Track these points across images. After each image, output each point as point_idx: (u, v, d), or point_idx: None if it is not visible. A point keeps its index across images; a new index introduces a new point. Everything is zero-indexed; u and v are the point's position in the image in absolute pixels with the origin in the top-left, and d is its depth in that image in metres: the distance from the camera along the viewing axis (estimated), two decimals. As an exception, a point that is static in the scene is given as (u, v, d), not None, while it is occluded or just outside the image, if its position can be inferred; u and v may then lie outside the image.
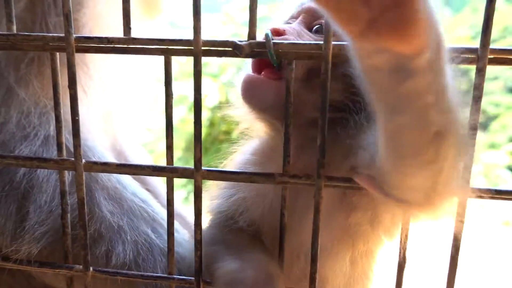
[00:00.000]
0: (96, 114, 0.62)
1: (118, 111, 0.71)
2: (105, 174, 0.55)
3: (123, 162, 0.73)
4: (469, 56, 0.38)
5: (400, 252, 0.44)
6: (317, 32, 0.48)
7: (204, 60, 0.42)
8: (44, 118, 0.54)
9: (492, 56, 0.38)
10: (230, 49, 0.41)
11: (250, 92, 0.46)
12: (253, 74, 0.46)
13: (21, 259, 0.51)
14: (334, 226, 0.48)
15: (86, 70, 0.58)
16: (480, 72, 0.38)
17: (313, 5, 0.48)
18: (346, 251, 0.48)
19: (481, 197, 0.40)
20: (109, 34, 0.43)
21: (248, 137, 0.54)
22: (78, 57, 0.56)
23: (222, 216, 0.51)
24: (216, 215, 0.52)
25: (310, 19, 0.49)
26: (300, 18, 0.49)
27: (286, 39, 0.44)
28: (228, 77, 4.88)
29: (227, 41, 0.41)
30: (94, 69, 0.59)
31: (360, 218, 0.47)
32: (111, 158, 0.61)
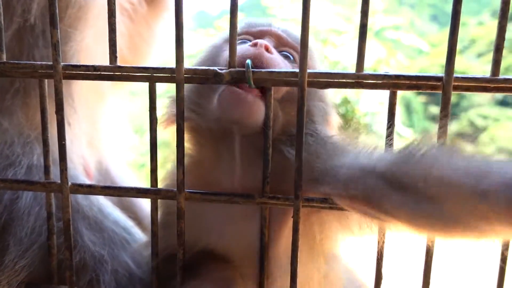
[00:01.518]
0: (79, 144, 0.63)
1: (103, 135, 0.72)
2: (86, 204, 0.56)
3: (108, 184, 0.74)
4: (435, 83, 0.41)
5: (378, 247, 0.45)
6: (285, 57, 0.49)
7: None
8: (27, 148, 0.55)
9: (456, 84, 0.41)
10: (211, 77, 0.43)
11: (226, 104, 0.45)
12: (233, 88, 0.45)
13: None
14: (305, 240, 0.48)
15: (71, 103, 0.59)
16: (446, 99, 0.40)
17: (279, 31, 0.50)
18: (318, 257, 0.49)
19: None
20: (96, 63, 0.45)
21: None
22: (64, 89, 0.58)
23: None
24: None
25: (275, 43, 0.50)
26: (266, 39, 0.49)
27: (277, 58, 0.47)
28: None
29: (208, 69, 0.43)
30: (79, 101, 0.61)
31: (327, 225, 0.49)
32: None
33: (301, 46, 0.41)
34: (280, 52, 0.50)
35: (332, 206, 0.43)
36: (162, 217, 0.51)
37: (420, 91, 0.42)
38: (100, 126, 0.67)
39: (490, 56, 0.41)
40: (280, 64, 0.47)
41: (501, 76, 0.40)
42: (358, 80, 0.42)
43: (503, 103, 7.23)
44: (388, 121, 0.43)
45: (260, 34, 0.50)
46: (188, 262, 0.48)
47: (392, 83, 0.42)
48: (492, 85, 0.40)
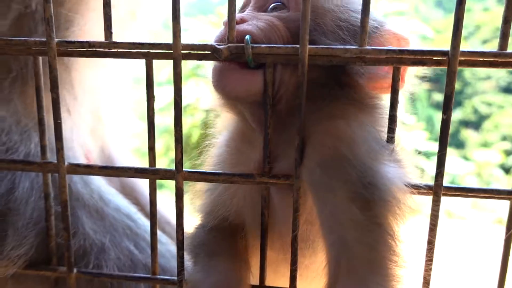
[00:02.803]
0: (80, 132, 0.62)
1: (105, 120, 0.71)
2: (86, 192, 0.56)
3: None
4: (441, 58, 0.40)
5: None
6: (273, 9, 0.47)
7: (198, 62, 0.43)
8: (25, 135, 0.54)
9: (462, 58, 0.39)
10: (209, 52, 0.42)
11: (221, 81, 0.44)
12: (223, 63, 0.44)
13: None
14: (314, 220, 0.48)
15: (71, 90, 0.58)
16: (451, 73, 0.39)
17: None
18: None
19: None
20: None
21: (220, 129, 0.53)
22: (64, 76, 0.57)
23: (207, 216, 0.51)
24: (203, 215, 0.52)
25: (261, 2, 0.48)
26: (251, 3, 0.48)
27: (249, 26, 0.44)
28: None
29: (206, 45, 0.42)
30: (79, 89, 0.60)
31: None
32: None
33: (302, 19, 0.39)
34: (271, 5, 0.47)
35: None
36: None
37: (425, 67, 0.41)
38: (102, 113, 0.66)
39: (495, 43, 0.40)
40: (256, 27, 0.44)
41: (509, 50, 0.39)
42: (361, 55, 0.40)
43: (507, 90, 7.16)
44: (391, 98, 0.42)
45: (248, 1, 0.49)
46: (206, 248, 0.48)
47: (396, 58, 0.40)
48: (500, 60, 0.39)
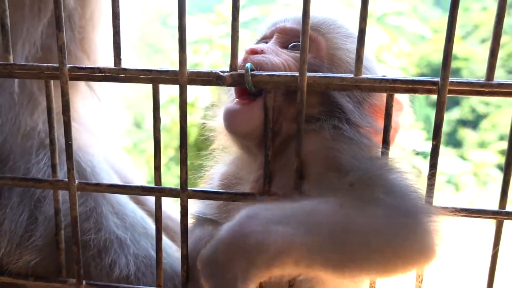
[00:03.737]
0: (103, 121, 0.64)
1: (101, 120, 0.73)
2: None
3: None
4: (431, 87, 0.42)
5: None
6: (293, 47, 0.50)
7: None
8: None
9: (451, 88, 0.42)
10: (213, 79, 0.44)
11: (233, 123, 0.49)
12: (233, 105, 0.49)
13: (17, 272, 0.54)
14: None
15: (96, 91, 0.61)
16: (440, 103, 0.41)
17: (288, 25, 0.51)
18: None
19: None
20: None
21: (224, 151, 0.57)
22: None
23: (202, 220, 0.54)
24: (198, 219, 0.55)
25: (285, 39, 0.51)
26: (274, 37, 0.51)
27: (265, 58, 0.47)
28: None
29: (211, 72, 0.44)
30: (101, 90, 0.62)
31: None
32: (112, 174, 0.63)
33: (301, 51, 0.42)
34: (292, 43, 0.51)
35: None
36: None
37: (416, 94, 0.43)
38: (98, 109, 0.68)
39: None
40: (270, 62, 0.48)
41: (495, 81, 0.41)
42: (357, 83, 0.43)
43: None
44: (385, 123, 0.44)
45: (272, 34, 0.52)
46: None
47: (389, 86, 0.43)
48: (487, 89, 0.42)
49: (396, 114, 0.47)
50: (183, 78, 0.44)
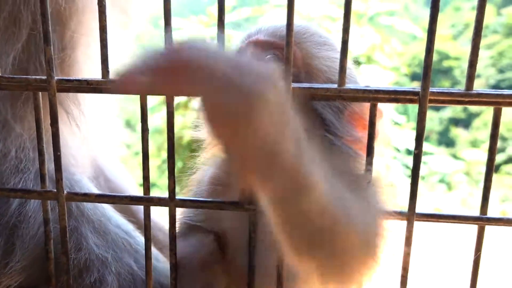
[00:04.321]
0: (83, 146, 0.65)
1: (95, 129, 0.73)
2: (91, 207, 0.58)
3: (102, 182, 0.76)
4: (412, 97, 0.43)
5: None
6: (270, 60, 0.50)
7: None
8: (37, 153, 0.57)
9: (432, 98, 0.43)
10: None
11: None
12: None
13: None
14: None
15: (78, 106, 0.61)
16: (421, 113, 0.42)
17: (261, 37, 0.52)
18: None
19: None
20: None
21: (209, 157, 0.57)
22: (72, 96, 0.60)
23: (188, 225, 0.55)
24: (182, 225, 0.56)
25: (259, 51, 0.51)
26: (249, 51, 0.52)
27: None
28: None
29: (196, 84, 0.45)
30: (84, 102, 0.62)
31: None
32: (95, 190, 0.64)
33: (286, 62, 0.43)
34: (267, 56, 0.51)
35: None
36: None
37: (398, 103, 0.44)
38: (92, 122, 0.68)
39: (485, 41, 0.43)
40: None
41: (474, 91, 0.43)
42: (340, 94, 0.44)
43: (496, 88, 7.25)
44: (369, 132, 0.45)
45: (246, 47, 0.52)
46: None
47: (372, 97, 0.44)
48: (466, 99, 0.43)
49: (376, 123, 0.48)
50: (170, 89, 0.45)
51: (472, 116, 7.46)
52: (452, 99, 0.43)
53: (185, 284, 0.49)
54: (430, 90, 0.42)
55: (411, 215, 0.45)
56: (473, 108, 7.79)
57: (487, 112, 7.24)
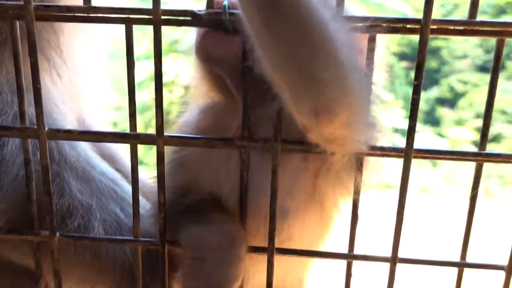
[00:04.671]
0: (66, 96, 0.62)
1: (83, 90, 0.71)
2: (74, 154, 0.56)
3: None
4: (414, 26, 0.41)
5: (352, 209, 0.47)
6: None
7: (176, 37, 0.44)
8: (15, 97, 0.54)
9: (434, 27, 0.41)
10: (189, 18, 0.42)
11: (203, 44, 0.47)
12: (207, 30, 0.47)
13: None
14: (301, 189, 0.50)
15: (61, 54, 0.58)
16: (423, 41, 0.41)
17: None
18: (315, 214, 0.50)
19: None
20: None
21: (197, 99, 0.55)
22: (53, 40, 0.56)
23: (173, 193, 0.52)
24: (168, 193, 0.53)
25: None
26: None
27: None
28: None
29: (186, 10, 0.42)
30: (68, 53, 0.59)
31: (324, 181, 0.50)
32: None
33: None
34: None
35: (311, 150, 0.44)
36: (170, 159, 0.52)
37: (398, 34, 0.42)
38: (81, 83, 0.65)
39: None
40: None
41: (478, 19, 0.41)
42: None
43: (482, 69, 7.31)
44: (367, 60, 0.43)
45: None
46: (192, 209, 0.49)
47: (372, 25, 0.42)
48: (469, 28, 0.41)
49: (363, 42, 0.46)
50: (157, 16, 0.42)
51: (458, 96, 7.51)
52: (454, 29, 0.41)
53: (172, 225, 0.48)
54: (432, 18, 0.40)
55: (408, 150, 0.43)
56: (459, 88, 7.84)
57: (472, 92, 7.30)
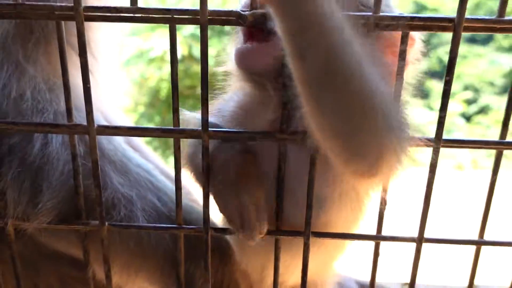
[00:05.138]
0: (100, 91, 0.63)
1: (100, 79, 0.72)
2: (111, 148, 0.59)
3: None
4: (447, 24, 0.44)
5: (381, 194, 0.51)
6: None
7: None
8: (53, 94, 0.56)
9: (466, 24, 0.43)
10: (234, 18, 0.44)
11: (242, 61, 0.50)
12: (245, 45, 0.50)
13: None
14: (336, 179, 0.52)
15: (90, 50, 0.59)
16: (456, 39, 0.43)
17: None
18: (349, 201, 0.53)
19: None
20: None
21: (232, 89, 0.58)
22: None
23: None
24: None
25: None
26: None
27: None
28: (190, 30, 4.76)
29: (232, 11, 0.44)
30: (96, 48, 0.61)
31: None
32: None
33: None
34: None
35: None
36: None
37: (432, 31, 0.45)
38: (105, 71, 0.67)
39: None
40: None
41: (506, 17, 0.44)
42: (376, 21, 0.44)
43: (471, 40, 7.35)
44: (399, 63, 0.46)
45: None
46: None
47: (407, 24, 0.44)
48: (499, 26, 0.44)
49: (407, 51, 0.49)
50: (204, 17, 0.44)
51: (445, 68, 7.56)
52: (485, 26, 0.44)
53: (220, 192, 0.50)
54: (464, 17, 0.43)
55: (437, 141, 0.47)
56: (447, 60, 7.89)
57: (461, 64, 7.36)
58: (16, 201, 0.53)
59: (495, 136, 0.49)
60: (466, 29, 0.44)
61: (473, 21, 0.44)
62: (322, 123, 0.40)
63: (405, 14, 0.44)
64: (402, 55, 0.46)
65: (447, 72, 0.45)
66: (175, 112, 0.49)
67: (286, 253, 0.54)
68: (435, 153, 0.47)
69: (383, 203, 0.51)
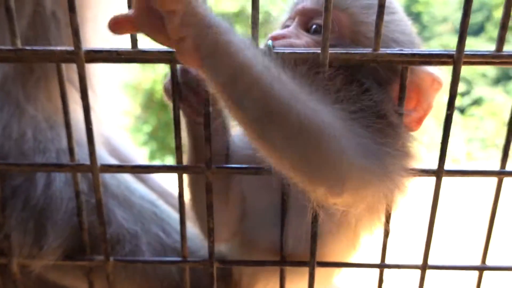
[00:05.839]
0: (102, 126, 0.63)
1: (104, 104, 0.72)
2: (114, 182, 0.58)
3: (109, 151, 0.76)
4: (447, 60, 0.44)
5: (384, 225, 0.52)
6: (315, 32, 0.50)
7: None
8: (55, 133, 0.56)
9: (465, 60, 0.44)
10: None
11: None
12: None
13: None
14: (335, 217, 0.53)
15: (91, 86, 0.59)
16: (456, 75, 0.44)
17: (307, 5, 0.51)
18: (348, 234, 0.54)
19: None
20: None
21: None
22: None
23: None
24: None
25: (305, 20, 0.51)
26: (296, 19, 0.51)
27: (285, 42, 0.48)
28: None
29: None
30: (97, 82, 0.60)
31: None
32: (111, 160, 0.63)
33: (324, 29, 0.42)
34: (312, 26, 0.50)
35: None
36: None
37: (431, 66, 0.45)
38: (105, 99, 0.67)
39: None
40: (290, 44, 0.48)
41: (504, 52, 0.44)
42: (376, 58, 0.44)
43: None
44: (400, 95, 0.46)
45: (294, 15, 0.52)
46: None
47: (408, 60, 0.44)
48: (498, 60, 0.44)
49: (432, 95, 0.48)
50: (205, 58, 0.44)
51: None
52: (484, 61, 0.44)
53: None
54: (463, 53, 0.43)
55: (440, 171, 0.47)
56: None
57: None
58: (21, 243, 0.53)
59: (488, 128, 0.49)
60: (466, 63, 0.44)
61: (472, 56, 0.44)
62: (275, 157, 0.40)
63: (406, 51, 0.44)
64: (402, 90, 0.46)
65: (448, 106, 0.45)
66: (178, 149, 0.49)
67: (290, 280, 0.55)
68: (438, 183, 0.48)
69: (386, 235, 0.51)
